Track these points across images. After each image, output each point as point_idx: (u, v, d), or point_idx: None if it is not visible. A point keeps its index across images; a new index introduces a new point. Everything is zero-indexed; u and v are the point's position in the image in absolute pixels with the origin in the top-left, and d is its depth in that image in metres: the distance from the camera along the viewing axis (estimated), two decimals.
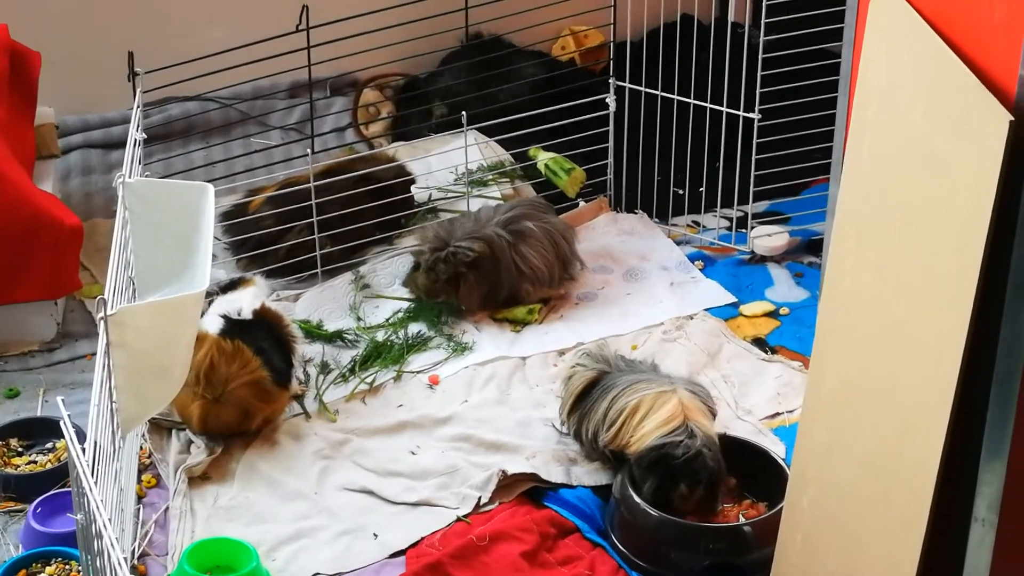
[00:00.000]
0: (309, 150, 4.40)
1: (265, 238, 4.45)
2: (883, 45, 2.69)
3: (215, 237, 4.17)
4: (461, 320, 4.34)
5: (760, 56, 4.40)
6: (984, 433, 2.38)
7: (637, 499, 3.48)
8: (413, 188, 4.71)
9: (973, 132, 2.31)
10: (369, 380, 4.08)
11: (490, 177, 4.84)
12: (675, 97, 4.64)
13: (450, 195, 4.81)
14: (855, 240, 2.77)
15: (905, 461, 2.56)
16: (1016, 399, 2.32)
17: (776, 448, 3.77)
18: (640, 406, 3.59)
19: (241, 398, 3.74)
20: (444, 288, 4.29)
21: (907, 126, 2.55)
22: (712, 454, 3.49)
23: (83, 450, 2.70)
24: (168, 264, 3.49)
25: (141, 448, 3.80)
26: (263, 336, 3.82)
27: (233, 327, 3.79)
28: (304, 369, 4.08)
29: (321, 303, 4.41)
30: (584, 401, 3.73)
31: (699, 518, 3.51)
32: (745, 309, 4.43)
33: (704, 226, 4.83)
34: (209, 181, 3.60)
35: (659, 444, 3.50)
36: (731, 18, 4.78)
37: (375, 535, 3.57)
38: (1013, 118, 2.20)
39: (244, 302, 3.89)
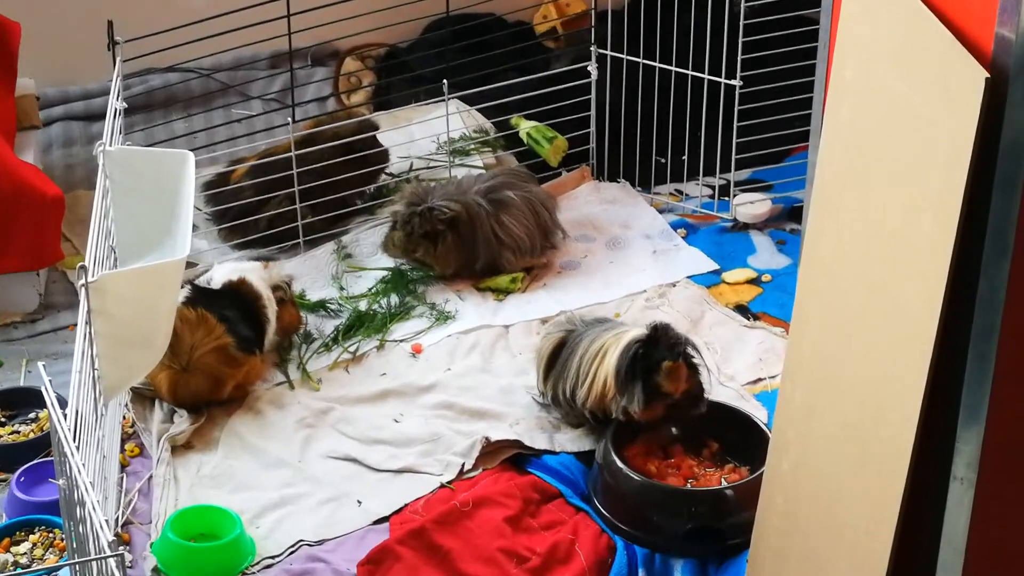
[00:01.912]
0: (290, 119, 4.39)
1: (246, 208, 4.45)
2: (861, 5, 2.69)
3: (197, 207, 4.17)
4: (444, 289, 4.35)
5: (741, 23, 4.40)
6: (963, 392, 2.39)
7: (620, 464, 3.50)
8: (390, 158, 4.70)
9: (950, 90, 2.31)
10: (352, 349, 4.09)
11: (472, 146, 4.84)
12: (657, 65, 4.64)
13: (432, 164, 4.81)
14: (834, 201, 2.78)
15: (884, 421, 2.57)
16: (994, 357, 2.33)
17: (758, 413, 3.78)
18: (606, 348, 3.62)
19: (208, 365, 3.75)
20: (419, 244, 4.28)
21: (884, 86, 2.55)
22: (677, 331, 3.60)
23: (64, 415, 2.70)
24: (149, 232, 3.49)
25: (124, 417, 3.80)
26: (229, 306, 3.84)
27: (198, 295, 3.82)
28: (289, 340, 4.09)
29: (303, 273, 4.41)
30: (555, 364, 3.74)
31: (688, 400, 3.57)
32: (727, 276, 4.44)
33: (687, 194, 4.84)
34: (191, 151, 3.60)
35: (624, 349, 3.55)
36: None
37: (359, 502, 3.58)
38: (989, 75, 2.21)
39: (220, 272, 3.91)
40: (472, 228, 4.31)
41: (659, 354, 3.55)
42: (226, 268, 3.97)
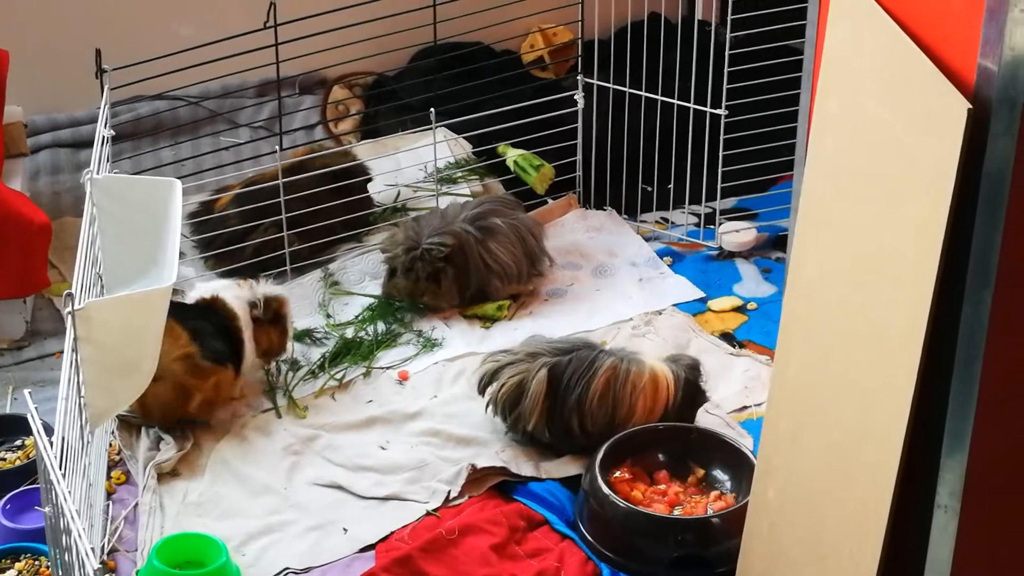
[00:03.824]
0: (277, 147, 4.40)
1: (232, 236, 4.45)
2: (845, 37, 2.71)
3: (183, 235, 4.17)
4: (431, 316, 4.35)
5: (727, 53, 4.42)
6: (946, 419, 2.40)
7: (606, 490, 3.50)
8: (371, 187, 4.71)
9: (933, 121, 2.33)
10: (339, 376, 4.09)
11: (459, 174, 4.86)
12: (643, 94, 4.66)
13: (419, 193, 4.82)
14: (818, 230, 2.80)
15: (868, 449, 2.58)
16: (978, 384, 2.34)
17: (744, 441, 3.79)
18: (648, 379, 3.75)
19: (175, 374, 3.72)
20: (426, 288, 4.31)
21: (868, 116, 2.58)
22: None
23: (51, 442, 2.70)
24: (136, 260, 3.49)
25: (110, 445, 3.80)
26: (199, 318, 3.82)
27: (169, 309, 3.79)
28: (276, 366, 4.08)
29: (290, 301, 4.40)
30: (558, 397, 3.73)
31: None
32: (713, 304, 4.45)
33: (673, 222, 4.86)
34: (178, 179, 3.60)
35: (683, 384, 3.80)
36: (698, 16, 4.81)
37: (345, 529, 3.58)
38: (971, 106, 2.23)
39: (196, 292, 3.91)
40: (465, 257, 4.33)
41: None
42: (202, 287, 3.97)
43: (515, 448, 3.81)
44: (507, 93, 4.93)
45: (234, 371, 3.90)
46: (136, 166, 4.72)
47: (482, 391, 3.84)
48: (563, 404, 3.73)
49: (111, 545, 3.50)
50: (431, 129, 4.60)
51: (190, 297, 3.91)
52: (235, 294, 3.95)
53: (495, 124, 4.81)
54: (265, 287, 4.04)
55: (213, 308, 3.90)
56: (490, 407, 3.82)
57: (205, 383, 3.81)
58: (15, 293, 4.21)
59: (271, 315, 4.00)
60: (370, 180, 4.68)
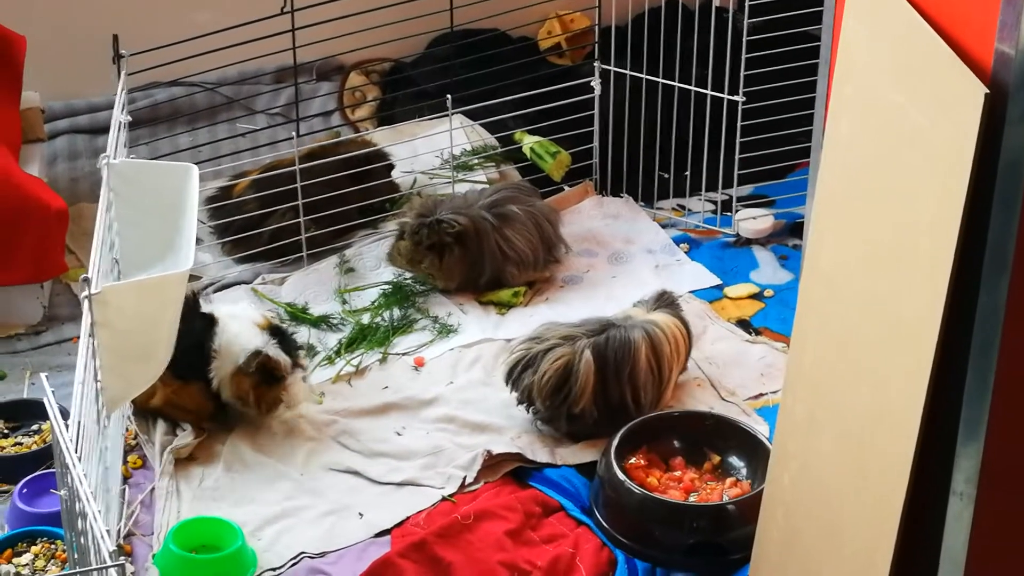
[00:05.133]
0: (294, 133, 4.41)
1: (249, 222, 4.46)
2: (862, 22, 2.70)
3: (200, 221, 4.18)
4: (446, 302, 4.36)
5: (744, 39, 4.41)
6: (962, 406, 2.39)
7: (621, 477, 3.50)
8: (394, 172, 4.72)
9: (949, 106, 2.32)
10: (355, 362, 4.10)
11: (475, 161, 4.86)
12: (660, 80, 4.66)
13: (435, 179, 4.82)
14: (834, 216, 2.79)
15: (884, 435, 2.57)
16: (994, 371, 2.33)
17: (760, 428, 3.79)
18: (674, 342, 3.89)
19: None
20: (426, 255, 4.29)
21: (885, 102, 2.57)
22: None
23: (67, 426, 2.71)
24: (152, 245, 3.50)
25: (127, 430, 3.81)
26: (191, 325, 3.65)
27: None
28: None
29: (307, 286, 4.42)
30: (606, 376, 3.76)
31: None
32: (730, 291, 4.45)
33: (689, 209, 4.85)
34: (195, 165, 3.60)
35: None
36: (716, 2, 4.79)
37: (360, 515, 3.59)
38: (989, 91, 2.22)
39: (223, 304, 3.85)
40: (479, 243, 4.33)
41: None
42: (235, 307, 3.88)
43: (530, 434, 3.81)
44: (524, 80, 4.93)
45: (205, 389, 3.77)
46: (153, 152, 4.73)
47: (514, 381, 3.80)
48: (615, 381, 3.76)
49: (127, 529, 3.51)
50: (448, 116, 4.60)
51: (212, 302, 3.82)
52: (244, 328, 3.77)
53: (512, 111, 4.81)
54: (275, 349, 3.76)
55: (209, 325, 3.76)
56: (525, 396, 3.77)
57: (166, 386, 3.71)
58: (32, 278, 4.23)
59: (257, 369, 3.75)
60: (392, 167, 4.69)
